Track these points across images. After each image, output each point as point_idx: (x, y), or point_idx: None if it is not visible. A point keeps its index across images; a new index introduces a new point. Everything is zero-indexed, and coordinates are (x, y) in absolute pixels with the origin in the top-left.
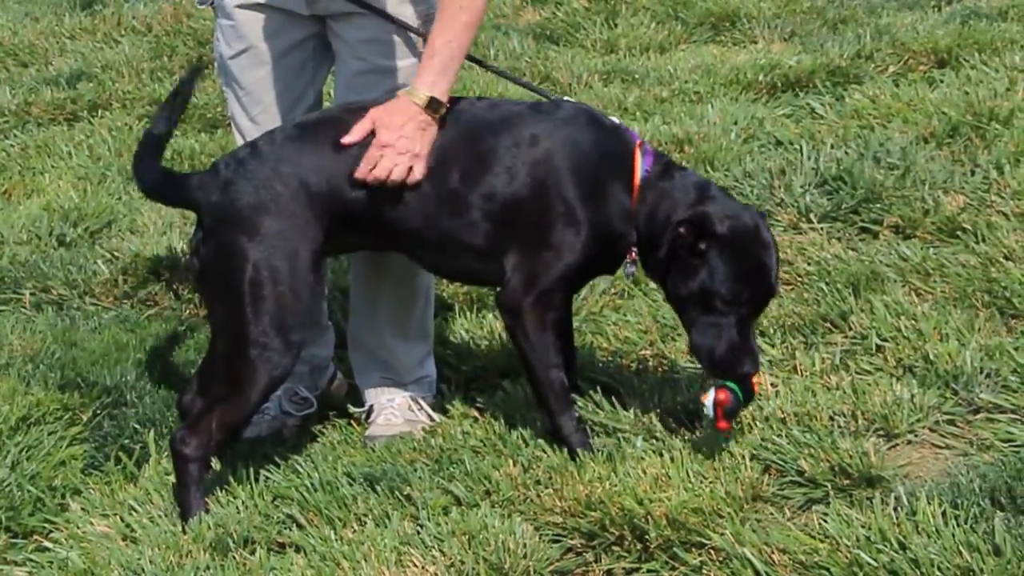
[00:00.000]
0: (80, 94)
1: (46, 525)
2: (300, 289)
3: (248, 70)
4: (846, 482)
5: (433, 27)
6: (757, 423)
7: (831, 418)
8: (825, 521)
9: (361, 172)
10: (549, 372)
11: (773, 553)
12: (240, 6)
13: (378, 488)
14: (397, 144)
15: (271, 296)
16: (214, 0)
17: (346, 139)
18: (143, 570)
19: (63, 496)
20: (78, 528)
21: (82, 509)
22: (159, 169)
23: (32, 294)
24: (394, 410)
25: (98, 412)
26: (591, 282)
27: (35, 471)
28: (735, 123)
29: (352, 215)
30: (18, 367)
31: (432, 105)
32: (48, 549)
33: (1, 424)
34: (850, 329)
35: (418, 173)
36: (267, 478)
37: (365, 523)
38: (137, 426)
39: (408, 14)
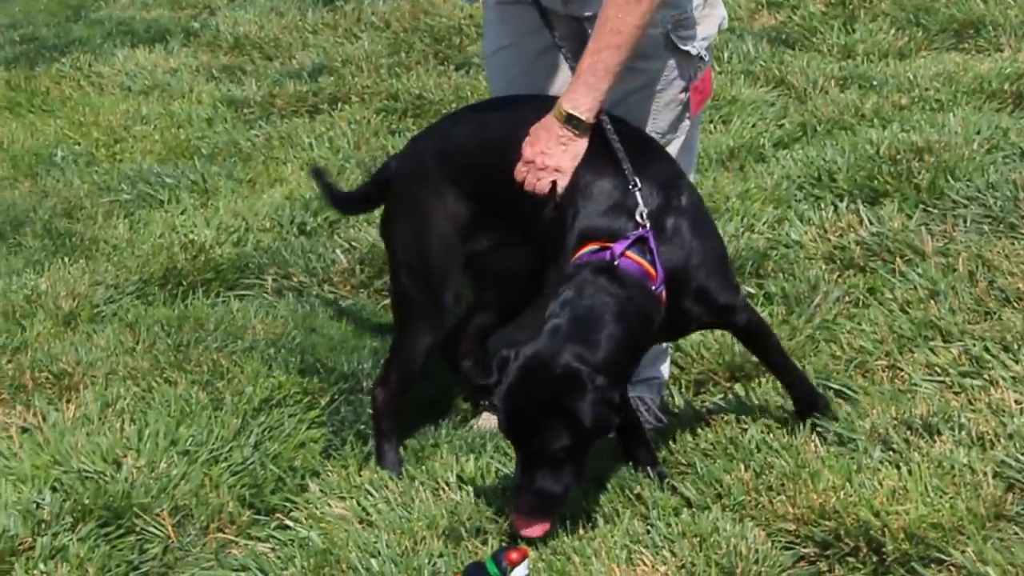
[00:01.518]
0: (321, 87)
1: (287, 504)
2: (446, 254)
3: (509, 66)
4: None
5: (587, 47)
6: (1001, 440)
7: None
8: None
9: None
10: None
11: (1019, 574)
12: (501, 2)
13: (608, 486)
14: (537, 160)
15: (417, 258)
16: None
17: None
18: (379, 553)
19: (303, 477)
20: (316, 509)
21: (320, 490)
22: (343, 192)
23: (274, 280)
24: None
25: (336, 397)
26: (824, 289)
27: (277, 451)
28: (978, 132)
29: (487, 199)
30: (261, 350)
31: (571, 121)
32: (289, 527)
33: (245, 404)
34: None
35: (562, 187)
36: (498, 470)
37: (595, 520)
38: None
39: (660, 19)
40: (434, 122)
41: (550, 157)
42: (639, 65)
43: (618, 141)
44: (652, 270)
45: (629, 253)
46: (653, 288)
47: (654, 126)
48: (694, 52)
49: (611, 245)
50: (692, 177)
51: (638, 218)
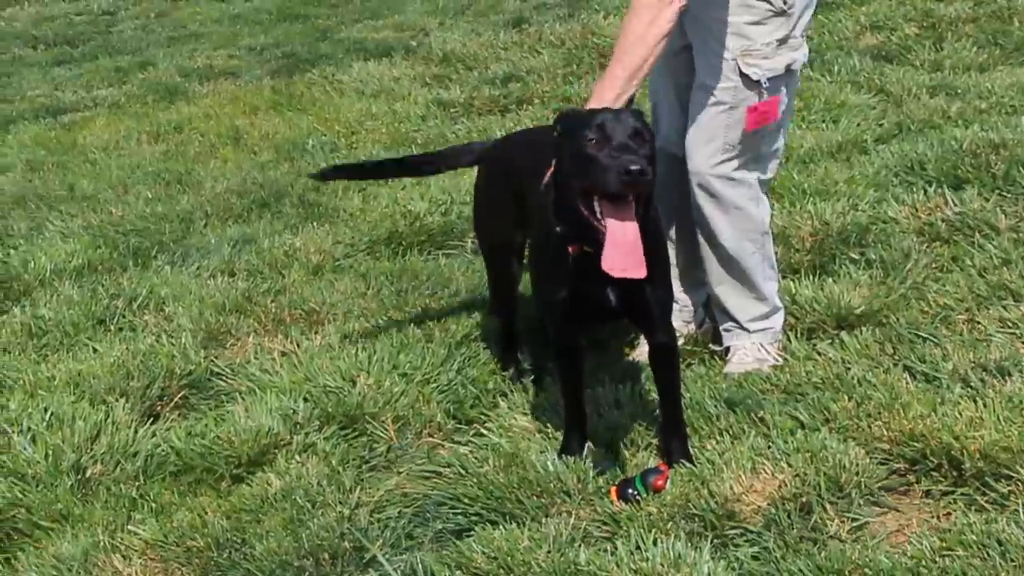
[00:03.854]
0: (510, 92)
1: (482, 416)
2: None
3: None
4: None
5: None
6: None
7: None
8: None
9: None
10: None
11: None
12: None
13: (736, 410)
14: None
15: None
16: None
17: None
18: (553, 457)
19: (495, 396)
20: (505, 421)
21: (508, 407)
22: None
23: (472, 242)
24: (745, 352)
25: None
26: (915, 257)
27: (475, 375)
28: None
29: None
30: (462, 297)
31: None
32: (484, 435)
33: (450, 339)
34: None
35: None
36: (644, 395)
37: (725, 437)
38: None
39: (732, 46)
40: None
41: None
42: (712, 84)
43: None
44: None
45: None
46: None
47: (727, 138)
48: (755, 77)
49: None
50: (770, 179)
51: None
